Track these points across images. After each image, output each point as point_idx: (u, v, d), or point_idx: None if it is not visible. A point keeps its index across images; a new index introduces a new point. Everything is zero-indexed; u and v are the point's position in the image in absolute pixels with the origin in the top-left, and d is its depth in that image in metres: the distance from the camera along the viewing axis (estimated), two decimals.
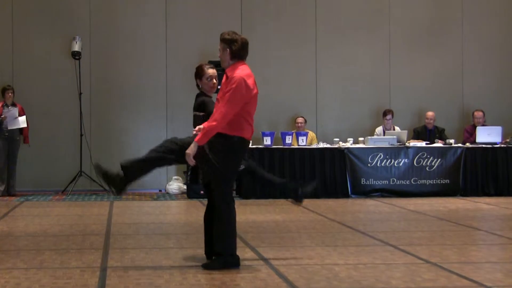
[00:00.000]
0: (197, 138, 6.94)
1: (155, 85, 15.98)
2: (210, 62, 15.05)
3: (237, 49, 7.15)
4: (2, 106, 14.53)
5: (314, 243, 8.66)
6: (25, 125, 14.60)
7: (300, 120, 15.54)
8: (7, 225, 10.38)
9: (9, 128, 14.42)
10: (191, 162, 6.98)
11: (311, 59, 16.37)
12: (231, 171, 7.18)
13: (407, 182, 14.38)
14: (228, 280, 6.59)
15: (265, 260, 7.51)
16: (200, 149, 6.98)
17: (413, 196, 14.11)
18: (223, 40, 7.19)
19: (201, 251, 8.03)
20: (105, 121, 15.85)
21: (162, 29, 16.00)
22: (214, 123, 6.90)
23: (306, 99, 16.32)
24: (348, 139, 14.76)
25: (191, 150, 6.94)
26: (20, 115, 14.54)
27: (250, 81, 7.11)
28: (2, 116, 14.38)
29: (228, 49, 7.16)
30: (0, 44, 15.55)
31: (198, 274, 6.85)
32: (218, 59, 15.72)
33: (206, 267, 7.12)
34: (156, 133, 15.86)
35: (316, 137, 15.67)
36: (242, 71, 7.12)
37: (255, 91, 7.19)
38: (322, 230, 9.80)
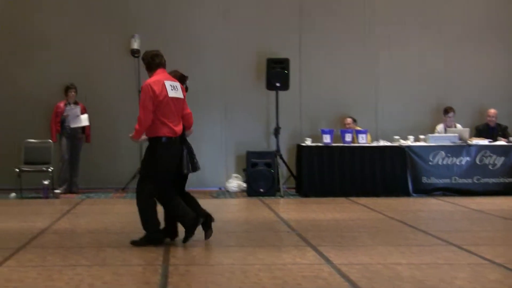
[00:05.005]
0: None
1: (212, 83, 15.98)
2: (269, 60, 15.09)
3: (147, 63, 8.53)
4: (65, 104, 14.71)
5: (375, 242, 8.59)
6: (87, 123, 14.76)
7: (348, 121, 15.36)
8: (70, 222, 10.51)
9: (71, 126, 14.59)
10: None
11: (371, 56, 16.22)
12: (152, 168, 8.32)
13: (470, 181, 14.17)
14: (290, 280, 6.55)
15: (327, 260, 7.46)
16: None
17: (476, 195, 13.89)
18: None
19: (261, 249, 8.04)
20: None
21: (219, 26, 16.00)
22: (136, 126, 8.37)
23: (366, 97, 16.17)
24: (409, 136, 14.60)
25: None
26: (82, 113, 14.71)
27: (156, 87, 8.27)
28: (64, 114, 14.57)
29: (145, 66, 8.62)
30: (61, 44, 15.70)
31: (260, 272, 6.83)
32: (275, 56, 15.78)
33: (133, 243, 8.34)
34: (212, 133, 15.87)
35: (376, 135, 15.53)
36: (151, 78, 8.42)
37: (161, 97, 8.26)
38: (383, 229, 9.71)
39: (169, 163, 8.40)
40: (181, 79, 8.84)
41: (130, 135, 8.57)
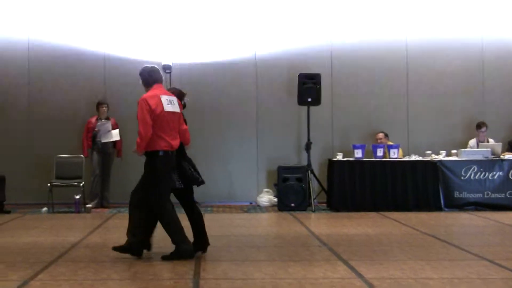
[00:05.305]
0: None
1: (244, 98, 15.99)
2: (301, 75, 15.07)
3: (145, 78, 8.62)
4: (96, 120, 14.83)
5: (407, 257, 8.53)
6: (118, 138, 14.86)
7: (380, 135, 15.31)
8: (101, 237, 10.55)
9: (102, 141, 14.70)
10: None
11: (402, 71, 16.17)
12: (153, 182, 8.40)
13: (502, 196, 14.05)
14: None
15: (358, 274, 7.42)
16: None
17: (509, 210, 13.75)
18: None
19: (292, 264, 8.01)
20: (195, 135, 15.87)
21: (252, 41, 16.03)
22: (137, 140, 8.36)
23: (397, 111, 16.11)
24: (441, 151, 14.53)
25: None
26: (113, 128, 14.80)
27: (152, 101, 8.36)
28: (96, 130, 14.68)
29: (140, 81, 8.66)
30: (93, 60, 15.81)
31: (290, 287, 6.81)
32: (307, 71, 15.72)
33: (164, 257, 8.37)
34: (243, 148, 15.87)
35: (408, 150, 15.45)
36: (147, 93, 8.51)
37: (157, 111, 8.35)
38: (414, 244, 9.63)
39: (167, 176, 8.47)
40: (179, 95, 8.89)
41: (133, 150, 8.55)
